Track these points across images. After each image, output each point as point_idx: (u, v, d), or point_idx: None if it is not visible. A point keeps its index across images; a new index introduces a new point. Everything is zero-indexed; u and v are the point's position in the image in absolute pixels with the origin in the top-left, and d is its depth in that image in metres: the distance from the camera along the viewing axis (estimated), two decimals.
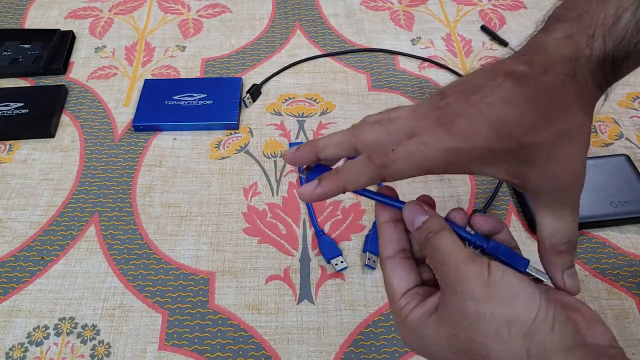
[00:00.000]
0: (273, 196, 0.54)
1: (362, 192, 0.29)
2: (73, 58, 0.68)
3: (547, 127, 0.27)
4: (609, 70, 0.27)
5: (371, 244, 0.49)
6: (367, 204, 0.53)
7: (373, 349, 0.44)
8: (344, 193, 0.29)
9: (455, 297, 0.26)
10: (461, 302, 0.25)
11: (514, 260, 0.29)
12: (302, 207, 0.53)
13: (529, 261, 0.29)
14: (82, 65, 0.67)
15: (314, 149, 0.30)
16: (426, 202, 0.30)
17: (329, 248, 0.49)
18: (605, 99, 0.29)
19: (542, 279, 0.29)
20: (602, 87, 0.28)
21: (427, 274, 0.30)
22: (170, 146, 0.58)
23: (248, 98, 0.61)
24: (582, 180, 0.29)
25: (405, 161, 0.27)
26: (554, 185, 0.28)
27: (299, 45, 0.69)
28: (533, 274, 0.29)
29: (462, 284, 0.26)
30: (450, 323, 0.26)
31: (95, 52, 0.69)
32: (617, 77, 0.28)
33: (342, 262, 0.48)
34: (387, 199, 0.30)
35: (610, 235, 0.50)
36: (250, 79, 0.65)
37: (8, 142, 0.59)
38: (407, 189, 0.54)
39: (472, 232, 0.30)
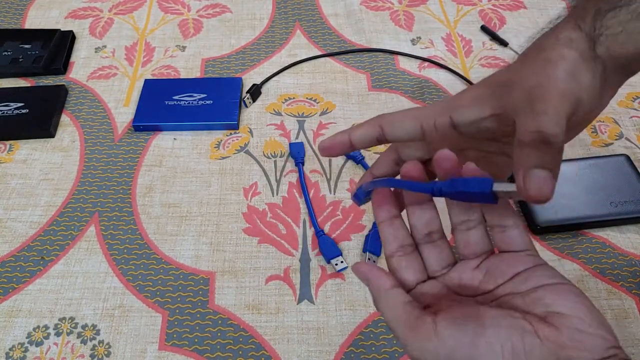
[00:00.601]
0: (273, 196, 0.54)
1: (383, 182, 0.31)
2: (73, 58, 0.68)
3: (529, 61, 0.28)
4: (590, 22, 0.29)
5: (371, 244, 0.49)
6: (367, 204, 0.53)
7: (373, 349, 0.44)
8: (352, 148, 0.32)
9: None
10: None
11: (476, 186, 0.26)
12: (302, 207, 0.53)
13: (492, 180, 0.26)
14: (82, 65, 0.67)
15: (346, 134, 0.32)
16: (385, 199, 0.31)
17: (329, 248, 0.49)
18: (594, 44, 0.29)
19: (510, 189, 0.25)
20: (583, 29, 0.30)
21: (432, 259, 0.30)
22: (170, 146, 0.58)
23: (248, 98, 0.61)
24: (561, 87, 0.26)
25: (400, 119, 0.31)
26: (531, 93, 0.26)
27: (299, 45, 0.69)
28: (501, 189, 0.25)
29: (419, 355, 0.26)
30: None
31: (95, 52, 0.69)
32: (607, 30, 0.29)
33: (342, 262, 0.48)
34: (408, 184, 0.30)
35: (610, 235, 0.50)
36: (250, 79, 0.65)
37: (8, 142, 0.59)
38: None
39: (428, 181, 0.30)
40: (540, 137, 0.25)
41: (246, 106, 0.62)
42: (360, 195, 0.34)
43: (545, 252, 0.49)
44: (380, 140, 0.32)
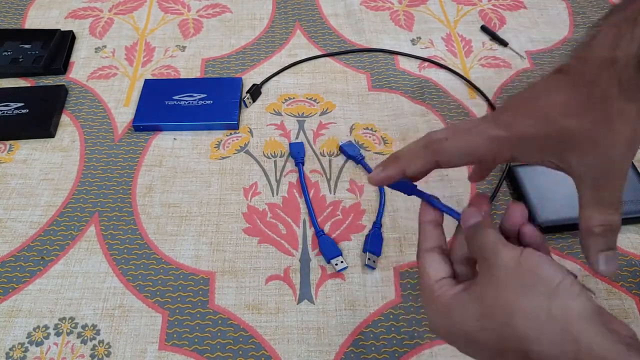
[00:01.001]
0: (273, 196, 0.54)
1: (418, 194, 0.34)
2: (73, 58, 0.68)
3: (586, 114, 0.28)
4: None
5: (371, 244, 0.49)
6: (367, 204, 0.53)
7: (373, 349, 0.44)
8: (406, 178, 0.33)
9: (488, 271, 0.28)
10: (492, 272, 0.28)
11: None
12: (302, 207, 0.53)
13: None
14: (82, 65, 0.67)
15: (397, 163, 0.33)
16: (481, 202, 0.33)
17: (328, 248, 0.49)
18: None
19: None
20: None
21: (460, 268, 0.32)
22: (170, 146, 0.58)
23: (248, 98, 0.61)
24: (622, 168, 0.29)
25: (455, 148, 0.31)
26: (593, 170, 0.29)
27: (299, 45, 0.69)
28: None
29: (496, 257, 0.28)
30: (480, 295, 0.28)
31: (95, 52, 0.69)
32: None
33: (342, 262, 0.48)
34: (438, 203, 0.33)
35: None
36: (250, 79, 0.65)
37: (8, 142, 0.59)
38: None
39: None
40: (609, 229, 0.30)
41: (246, 106, 0.62)
42: (400, 186, 0.34)
43: None
44: (435, 168, 0.33)
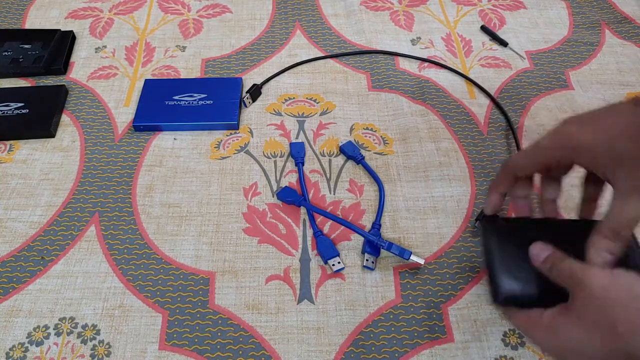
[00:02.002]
0: (273, 196, 0.54)
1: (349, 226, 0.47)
2: (73, 58, 0.68)
3: (637, 140, 0.32)
4: None
5: (369, 245, 0.49)
6: (367, 204, 0.53)
7: (373, 349, 0.44)
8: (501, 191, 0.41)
9: (582, 292, 0.31)
10: (589, 294, 0.31)
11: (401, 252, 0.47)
12: (302, 207, 0.53)
13: (410, 252, 0.47)
14: (82, 66, 0.67)
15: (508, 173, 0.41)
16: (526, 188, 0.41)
17: (326, 248, 0.49)
18: None
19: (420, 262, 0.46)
20: None
21: None
22: (170, 146, 0.59)
23: (248, 98, 0.61)
24: None
25: (522, 157, 0.39)
26: (630, 188, 0.33)
27: (299, 45, 0.69)
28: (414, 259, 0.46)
29: (590, 278, 0.31)
30: (579, 316, 0.31)
31: (96, 52, 0.69)
32: None
33: (339, 262, 0.48)
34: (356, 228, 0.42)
35: None
36: (250, 79, 0.65)
37: (8, 142, 0.59)
38: (408, 189, 0.54)
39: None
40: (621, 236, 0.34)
41: (246, 106, 0.62)
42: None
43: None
44: (517, 180, 0.41)
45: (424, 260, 0.47)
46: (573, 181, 0.55)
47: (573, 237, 0.36)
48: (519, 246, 0.38)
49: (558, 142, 0.36)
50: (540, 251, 0.36)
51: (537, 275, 0.36)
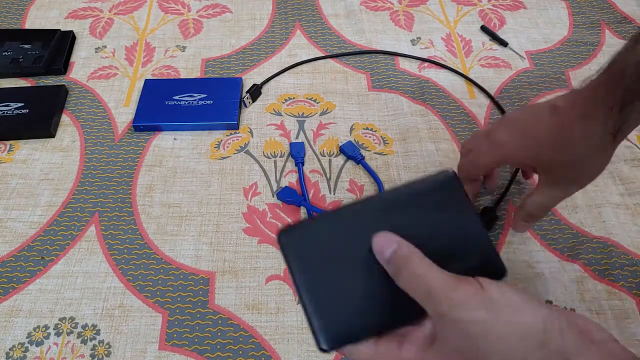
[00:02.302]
0: (273, 196, 0.54)
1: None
2: (73, 58, 0.68)
3: (552, 152, 0.39)
4: (617, 114, 0.34)
5: None
6: None
7: None
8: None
9: (454, 324, 0.25)
10: (463, 329, 0.25)
11: None
12: (302, 207, 0.53)
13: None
14: (82, 66, 0.67)
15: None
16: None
17: None
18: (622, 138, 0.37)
19: None
20: (610, 129, 0.35)
21: None
22: (171, 146, 0.58)
23: (248, 98, 0.61)
24: (551, 204, 0.44)
25: (470, 166, 0.46)
26: (552, 177, 0.42)
27: (299, 45, 0.69)
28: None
29: (460, 310, 0.25)
30: (454, 352, 0.25)
31: (96, 52, 0.69)
32: (626, 123, 0.35)
33: None
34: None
35: (613, 234, 0.50)
36: (250, 79, 0.65)
37: (8, 142, 0.59)
38: None
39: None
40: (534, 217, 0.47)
41: (245, 106, 0.62)
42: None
43: (546, 254, 0.50)
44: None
45: None
46: None
47: (395, 214, 0.29)
48: (332, 256, 0.29)
49: (495, 152, 0.43)
50: (385, 245, 0.28)
51: (378, 286, 0.28)
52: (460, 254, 0.29)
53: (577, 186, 0.41)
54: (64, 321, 0.46)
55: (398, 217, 0.29)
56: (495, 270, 0.29)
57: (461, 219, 0.30)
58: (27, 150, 0.58)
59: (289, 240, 0.30)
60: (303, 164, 0.56)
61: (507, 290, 0.25)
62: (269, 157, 0.57)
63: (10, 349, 0.44)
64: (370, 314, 0.28)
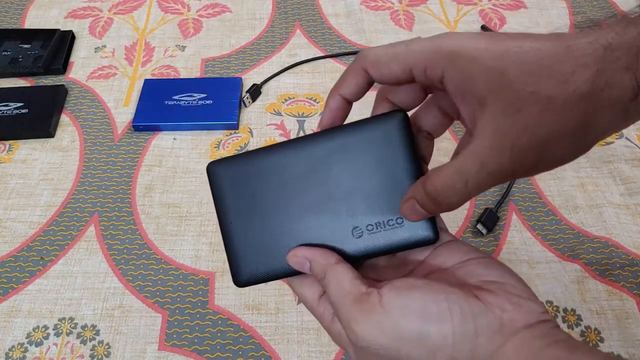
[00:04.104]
0: None
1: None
2: (73, 58, 0.68)
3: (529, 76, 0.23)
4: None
5: None
6: None
7: None
8: (350, 105, 0.30)
9: (362, 350, 0.25)
10: (372, 352, 0.24)
11: None
12: None
13: None
14: (81, 65, 0.67)
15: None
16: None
17: None
18: None
19: None
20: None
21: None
22: (170, 146, 0.58)
23: (247, 98, 0.61)
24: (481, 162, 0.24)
25: (386, 62, 0.28)
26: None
27: (299, 45, 0.69)
28: None
29: (363, 341, 0.24)
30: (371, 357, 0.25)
31: (95, 52, 0.69)
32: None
33: None
34: None
35: (613, 234, 0.50)
36: (250, 79, 0.65)
37: (8, 142, 0.59)
38: None
39: None
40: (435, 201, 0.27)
41: (245, 106, 0.61)
42: None
43: (546, 254, 0.49)
44: (371, 84, 0.29)
45: None
46: (573, 182, 0.55)
47: (330, 156, 0.28)
48: (260, 193, 0.28)
49: (432, 44, 0.26)
50: (299, 265, 0.29)
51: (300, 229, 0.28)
52: (390, 210, 0.28)
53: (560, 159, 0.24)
54: (63, 321, 0.46)
55: (331, 163, 0.28)
56: (425, 231, 0.28)
57: (399, 169, 0.28)
58: (27, 150, 0.58)
59: (218, 173, 0.30)
60: None
61: (407, 297, 0.24)
62: None
63: (9, 349, 0.44)
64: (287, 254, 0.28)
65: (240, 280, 0.30)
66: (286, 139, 0.30)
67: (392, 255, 0.30)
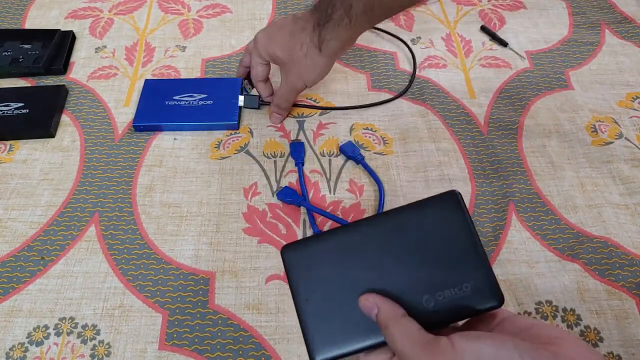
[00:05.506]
0: (273, 196, 0.54)
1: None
2: (73, 58, 0.68)
3: (283, 52, 0.52)
4: (317, 31, 0.51)
5: None
6: (367, 204, 0.53)
7: None
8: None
9: None
10: None
11: None
12: (302, 207, 0.53)
13: None
14: (82, 66, 0.67)
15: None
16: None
17: None
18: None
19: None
20: (315, 42, 0.51)
21: None
22: (171, 146, 0.58)
23: (247, 84, 0.63)
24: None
25: (251, 62, 0.57)
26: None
27: None
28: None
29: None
30: None
31: (96, 52, 0.69)
32: (327, 40, 0.50)
33: None
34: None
35: (613, 234, 0.50)
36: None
37: (8, 142, 0.59)
38: (408, 189, 0.54)
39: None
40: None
41: (247, 92, 0.62)
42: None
43: (546, 253, 0.50)
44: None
45: None
46: (572, 182, 0.55)
47: (395, 236, 0.30)
48: (331, 273, 0.31)
49: (264, 53, 0.54)
50: (368, 309, 0.30)
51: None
52: (456, 280, 0.30)
53: (302, 81, 0.54)
54: (64, 321, 0.46)
55: (397, 239, 0.31)
56: (491, 298, 0.30)
57: (460, 243, 0.31)
58: (27, 150, 0.58)
59: (291, 257, 0.32)
60: (303, 164, 0.56)
61: (480, 348, 0.25)
62: (269, 157, 0.57)
63: (10, 349, 0.44)
64: (363, 330, 0.30)
65: (316, 357, 0.31)
66: (345, 223, 0.33)
67: None
